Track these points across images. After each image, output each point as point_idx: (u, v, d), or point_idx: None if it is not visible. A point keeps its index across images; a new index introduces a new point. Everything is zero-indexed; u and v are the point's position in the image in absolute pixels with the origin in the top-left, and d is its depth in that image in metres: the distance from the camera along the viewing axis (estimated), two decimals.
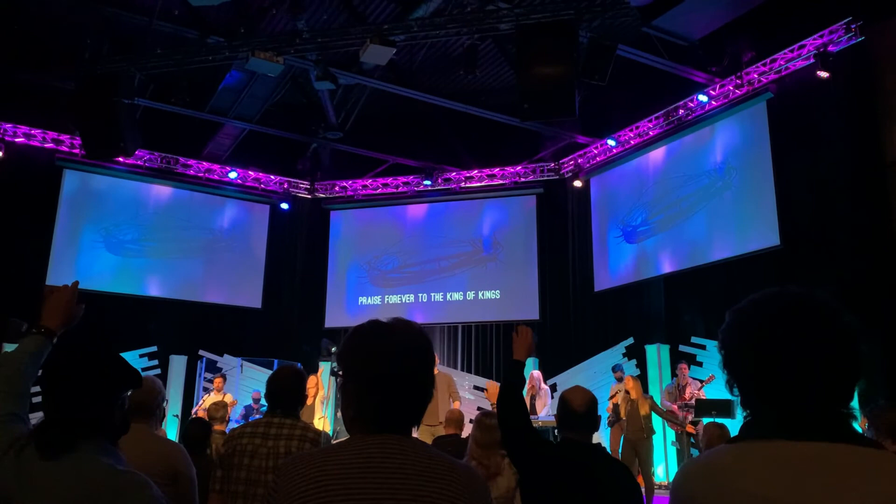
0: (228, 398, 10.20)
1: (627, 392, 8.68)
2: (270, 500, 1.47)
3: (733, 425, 8.55)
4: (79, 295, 1.96)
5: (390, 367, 1.49)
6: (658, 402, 9.38)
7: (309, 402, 9.63)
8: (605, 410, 8.92)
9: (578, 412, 2.88)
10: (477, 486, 1.49)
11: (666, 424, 10.37)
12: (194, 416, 10.29)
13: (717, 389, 9.37)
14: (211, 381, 11.65)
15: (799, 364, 1.17)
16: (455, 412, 5.73)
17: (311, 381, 9.94)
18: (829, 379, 1.18)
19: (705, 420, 8.25)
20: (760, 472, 1.13)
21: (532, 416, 9.57)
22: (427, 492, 1.41)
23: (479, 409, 10.81)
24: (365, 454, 1.45)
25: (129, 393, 3.08)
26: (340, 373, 1.55)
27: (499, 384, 4.72)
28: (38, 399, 1.67)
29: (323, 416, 10.66)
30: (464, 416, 5.84)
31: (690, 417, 9.26)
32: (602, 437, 9.50)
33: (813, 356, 1.17)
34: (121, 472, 1.64)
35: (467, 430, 4.77)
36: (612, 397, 9.17)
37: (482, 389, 11.85)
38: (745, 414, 1.27)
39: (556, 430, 8.91)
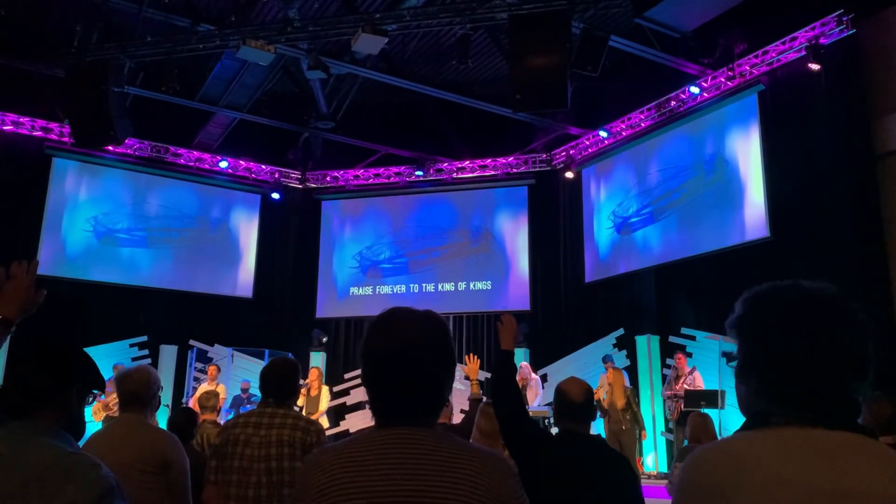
0: (221, 389, 10.20)
1: (610, 384, 8.78)
2: (294, 491, 1.48)
3: (718, 415, 8.64)
4: (38, 280, 1.93)
5: (403, 359, 1.47)
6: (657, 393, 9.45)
7: (313, 392, 9.63)
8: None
9: (577, 402, 2.86)
10: (499, 472, 1.45)
11: (656, 414, 10.45)
12: (185, 405, 10.29)
13: (708, 379, 9.44)
14: (202, 371, 11.64)
15: (826, 355, 1.19)
16: None
17: (314, 373, 9.96)
18: (848, 370, 1.21)
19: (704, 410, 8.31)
20: (800, 459, 1.13)
21: None
22: (439, 484, 1.38)
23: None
24: (377, 447, 1.44)
25: (124, 385, 3.10)
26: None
27: (477, 359, 4.75)
28: None
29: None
30: (451, 406, 5.85)
31: (681, 408, 9.32)
32: (597, 428, 9.54)
33: (838, 348, 1.20)
34: (70, 453, 1.65)
35: (459, 421, 4.79)
36: (598, 389, 9.23)
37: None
38: (753, 401, 1.27)
39: (546, 420, 8.98)
